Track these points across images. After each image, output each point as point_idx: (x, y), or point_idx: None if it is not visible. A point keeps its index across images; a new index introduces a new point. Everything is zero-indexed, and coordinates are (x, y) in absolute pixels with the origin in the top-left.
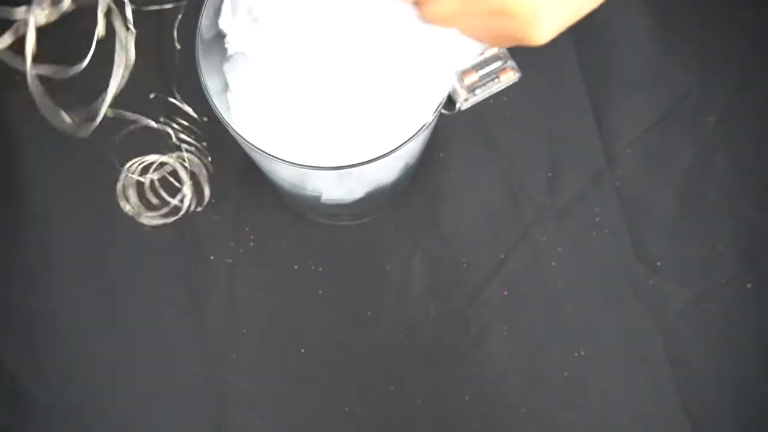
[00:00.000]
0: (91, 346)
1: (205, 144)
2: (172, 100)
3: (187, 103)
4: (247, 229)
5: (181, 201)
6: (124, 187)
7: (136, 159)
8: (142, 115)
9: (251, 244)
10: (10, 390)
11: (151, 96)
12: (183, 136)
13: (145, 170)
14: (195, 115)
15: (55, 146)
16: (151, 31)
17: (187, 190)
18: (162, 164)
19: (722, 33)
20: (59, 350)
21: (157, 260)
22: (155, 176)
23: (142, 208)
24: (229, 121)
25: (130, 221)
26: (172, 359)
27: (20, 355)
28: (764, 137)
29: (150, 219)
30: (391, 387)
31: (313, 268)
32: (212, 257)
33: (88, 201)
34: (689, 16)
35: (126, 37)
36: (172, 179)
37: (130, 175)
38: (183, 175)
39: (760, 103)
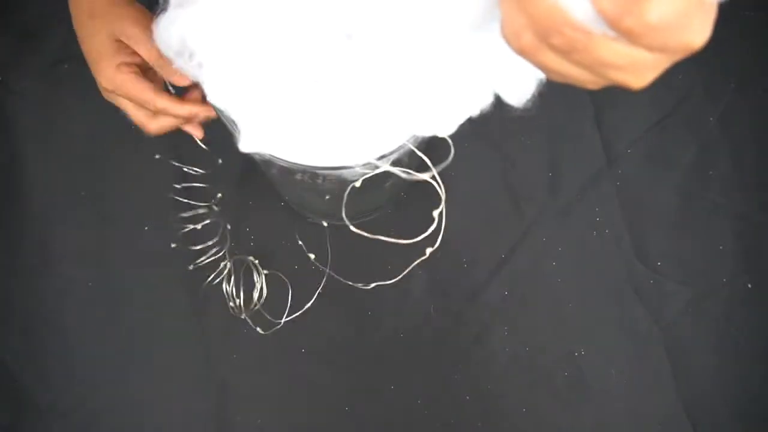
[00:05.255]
0: (91, 346)
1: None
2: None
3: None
4: (247, 229)
5: (260, 296)
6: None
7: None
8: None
9: (251, 244)
10: (11, 390)
11: (157, 156)
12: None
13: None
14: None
15: (55, 146)
16: None
17: (263, 287)
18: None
19: (722, 33)
20: (60, 350)
21: (157, 260)
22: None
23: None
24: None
25: (131, 223)
26: (172, 359)
27: (21, 355)
28: (764, 137)
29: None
30: (392, 387)
31: (313, 268)
32: (213, 257)
33: (88, 201)
34: None
35: None
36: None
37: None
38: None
39: (760, 103)
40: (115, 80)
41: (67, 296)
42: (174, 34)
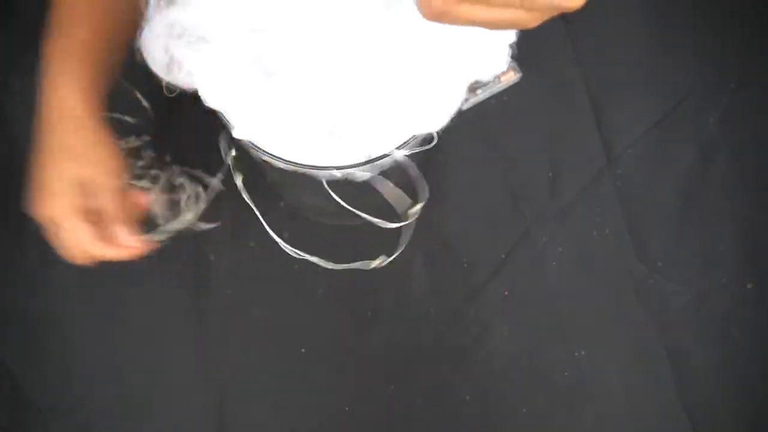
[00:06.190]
0: (91, 347)
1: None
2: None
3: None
4: (247, 229)
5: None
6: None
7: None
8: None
9: (251, 244)
10: (11, 390)
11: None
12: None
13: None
14: None
15: None
16: None
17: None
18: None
19: (722, 33)
20: (60, 350)
21: (157, 261)
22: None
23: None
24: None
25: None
26: (172, 359)
27: (21, 355)
28: (764, 137)
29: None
30: (392, 387)
31: (313, 268)
32: (212, 257)
33: None
34: (689, 16)
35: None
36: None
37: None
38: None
39: (760, 103)
40: (68, 220)
41: (67, 296)
42: (158, 47)
